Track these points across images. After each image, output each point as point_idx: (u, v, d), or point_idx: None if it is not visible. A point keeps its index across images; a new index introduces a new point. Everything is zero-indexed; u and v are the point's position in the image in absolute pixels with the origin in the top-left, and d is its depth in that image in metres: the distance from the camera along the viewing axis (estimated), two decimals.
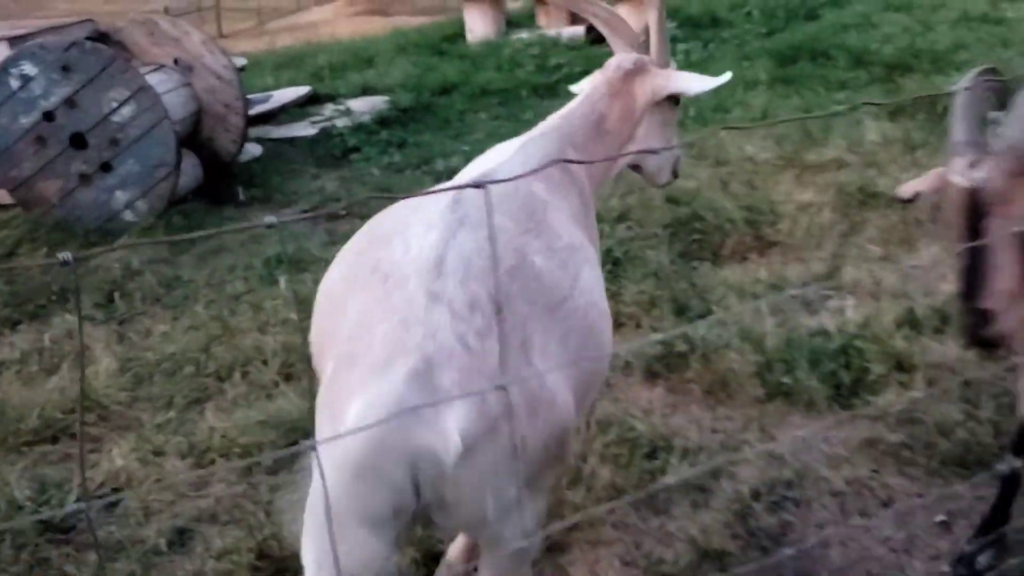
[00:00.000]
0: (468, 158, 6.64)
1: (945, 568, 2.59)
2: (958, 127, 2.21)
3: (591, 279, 2.01)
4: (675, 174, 2.85)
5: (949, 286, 3.96)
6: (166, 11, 26.38)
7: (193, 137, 6.18)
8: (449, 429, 1.55)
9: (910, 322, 3.76)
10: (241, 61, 7.51)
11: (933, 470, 2.97)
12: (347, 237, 5.05)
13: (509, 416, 1.58)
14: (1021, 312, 2.06)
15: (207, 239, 5.40)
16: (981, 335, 2.09)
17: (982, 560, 2.51)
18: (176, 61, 6.11)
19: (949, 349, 3.54)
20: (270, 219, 1.17)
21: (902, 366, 3.45)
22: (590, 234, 2.28)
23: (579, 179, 2.34)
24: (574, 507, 2.83)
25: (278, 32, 27.98)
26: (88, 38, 5.69)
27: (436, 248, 1.74)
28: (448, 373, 1.60)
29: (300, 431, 3.25)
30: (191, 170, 6.05)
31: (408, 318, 1.65)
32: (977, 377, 3.34)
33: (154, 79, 5.71)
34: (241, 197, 6.02)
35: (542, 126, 2.46)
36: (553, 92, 8.50)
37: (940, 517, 2.79)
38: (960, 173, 2.11)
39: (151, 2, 31.83)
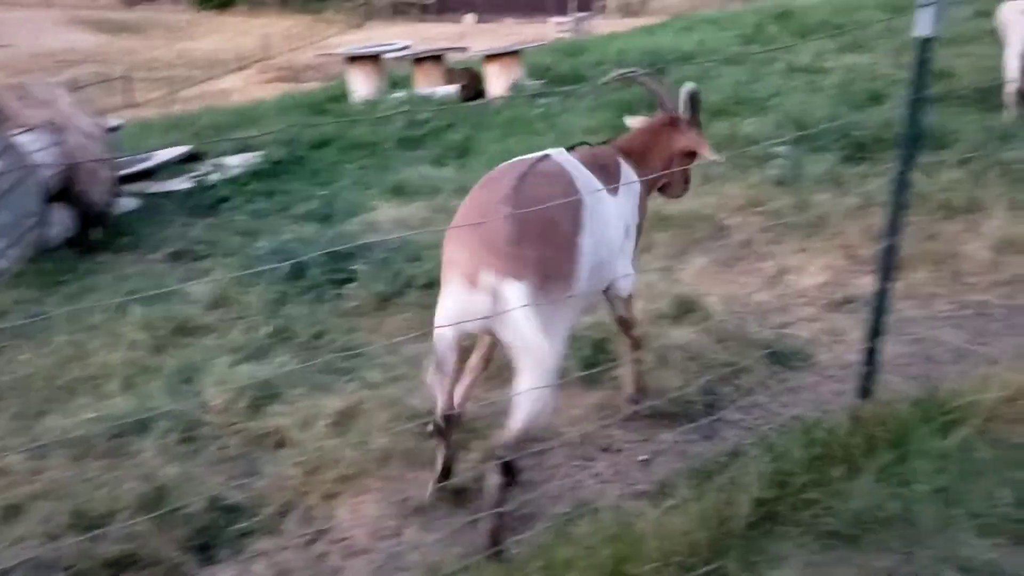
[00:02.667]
0: (325, 202, 7.27)
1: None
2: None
3: (599, 223, 3.09)
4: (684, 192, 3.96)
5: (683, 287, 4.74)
6: (76, 82, 26.74)
7: (66, 191, 6.68)
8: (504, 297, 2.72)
9: (662, 315, 4.48)
10: (115, 122, 8.05)
11: (648, 424, 3.64)
12: (205, 273, 5.64)
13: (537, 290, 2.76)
14: None
15: (76, 281, 5.93)
16: None
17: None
18: (49, 122, 6.64)
19: (681, 333, 4.25)
20: None
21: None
22: (631, 210, 3.44)
23: (622, 175, 3.42)
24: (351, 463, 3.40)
25: (190, 99, 28.59)
26: None
27: (509, 188, 2.88)
28: (496, 263, 2.74)
29: (127, 424, 3.77)
30: (63, 221, 6.55)
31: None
32: (700, 352, 4.06)
33: (26, 138, 6.24)
34: (98, 236, 6.56)
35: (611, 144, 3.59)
36: (419, 144, 9.24)
37: (643, 456, 3.45)
38: None
39: (63, 72, 32.14)
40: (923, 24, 2.71)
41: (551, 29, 39.11)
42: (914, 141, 2.88)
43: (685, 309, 4.55)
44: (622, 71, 3.79)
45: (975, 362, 3.87)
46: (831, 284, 4.93)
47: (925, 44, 2.76)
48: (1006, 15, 8.19)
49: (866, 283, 4.66)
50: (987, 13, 12.91)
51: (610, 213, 3.22)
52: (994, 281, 4.68)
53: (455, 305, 2.87)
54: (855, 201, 5.86)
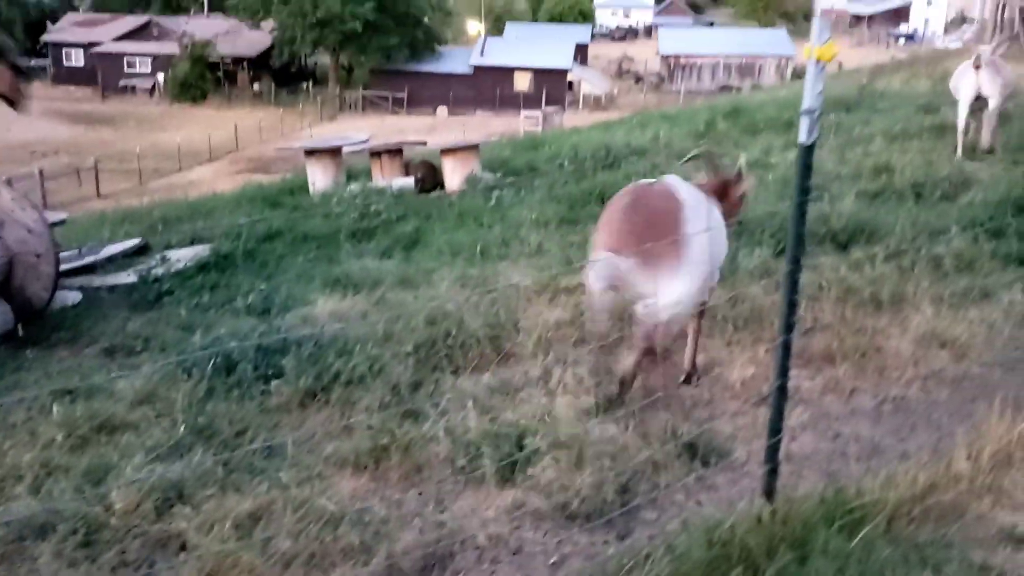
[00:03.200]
0: (266, 295, 7.24)
1: None
2: None
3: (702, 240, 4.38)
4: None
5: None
6: (41, 173, 26.83)
7: (4, 285, 6.63)
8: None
9: (585, 411, 4.46)
10: (60, 216, 8.06)
11: (560, 524, 3.59)
12: (136, 368, 5.53)
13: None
14: None
15: (2, 378, 5.84)
16: None
17: None
18: None
19: (606, 431, 4.23)
20: None
21: (563, 444, 4.11)
22: (719, 240, 4.74)
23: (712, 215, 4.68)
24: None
25: (158, 191, 28.71)
26: None
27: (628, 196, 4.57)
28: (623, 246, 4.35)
29: (28, 527, 3.66)
30: (1, 315, 6.48)
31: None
32: (621, 449, 4.04)
33: None
34: (20, 333, 6.47)
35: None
36: (370, 236, 9.31)
37: (553, 559, 3.39)
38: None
39: (29, 164, 32.24)
40: (803, 132, 2.78)
41: (521, 122, 40.04)
42: (800, 242, 2.93)
43: (609, 405, 4.53)
44: (696, 151, 5.87)
45: (889, 458, 3.87)
46: (757, 378, 4.95)
47: (806, 151, 2.82)
48: (957, 74, 10.80)
49: (794, 376, 4.70)
50: (930, 110, 13.39)
51: (715, 217, 4.65)
52: (915, 375, 4.72)
53: (597, 268, 4.53)
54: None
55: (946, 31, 77.24)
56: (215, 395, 5.10)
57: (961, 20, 75.88)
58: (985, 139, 10.55)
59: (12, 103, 8.49)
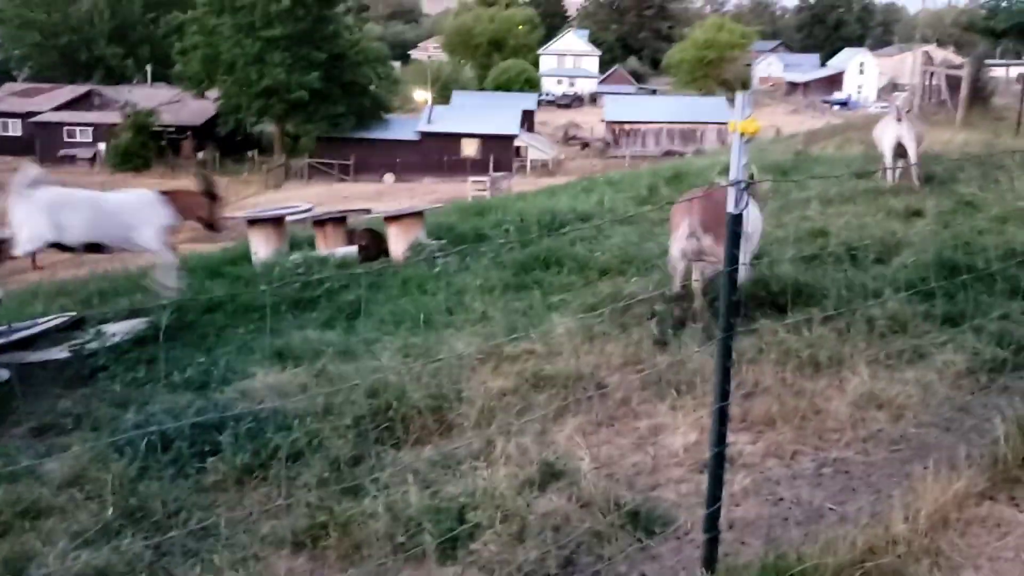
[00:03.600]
0: (204, 369, 7.11)
1: None
2: None
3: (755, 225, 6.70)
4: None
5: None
6: None
7: None
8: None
9: (529, 482, 4.41)
10: None
11: None
12: (66, 448, 5.37)
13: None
14: None
15: None
16: None
17: None
18: None
19: (549, 502, 4.18)
20: None
21: (507, 518, 4.05)
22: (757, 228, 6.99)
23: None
24: None
25: (98, 261, 28.18)
26: None
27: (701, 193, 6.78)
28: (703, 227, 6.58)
29: None
30: None
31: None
32: (564, 521, 3.99)
33: None
34: None
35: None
36: (313, 306, 9.21)
37: None
38: None
39: None
40: (731, 202, 2.83)
41: (469, 188, 40.33)
42: (732, 309, 2.96)
43: (553, 475, 4.49)
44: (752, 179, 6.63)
45: (829, 522, 3.87)
46: (701, 443, 4.94)
47: (734, 220, 2.87)
48: (880, 126, 13.34)
49: (733, 441, 4.71)
50: (863, 174, 13.78)
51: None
52: (854, 437, 4.76)
53: (679, 242, 6.67)
54: None
55: (878, 97, 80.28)
56: (148, 474, 4.95)
57: (892, 87, 78.93)
58: (913, 181, 12.49)
59: (213, 228, 10.64)
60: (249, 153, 56.20)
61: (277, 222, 12.45)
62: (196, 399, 6.18)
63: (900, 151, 12.56)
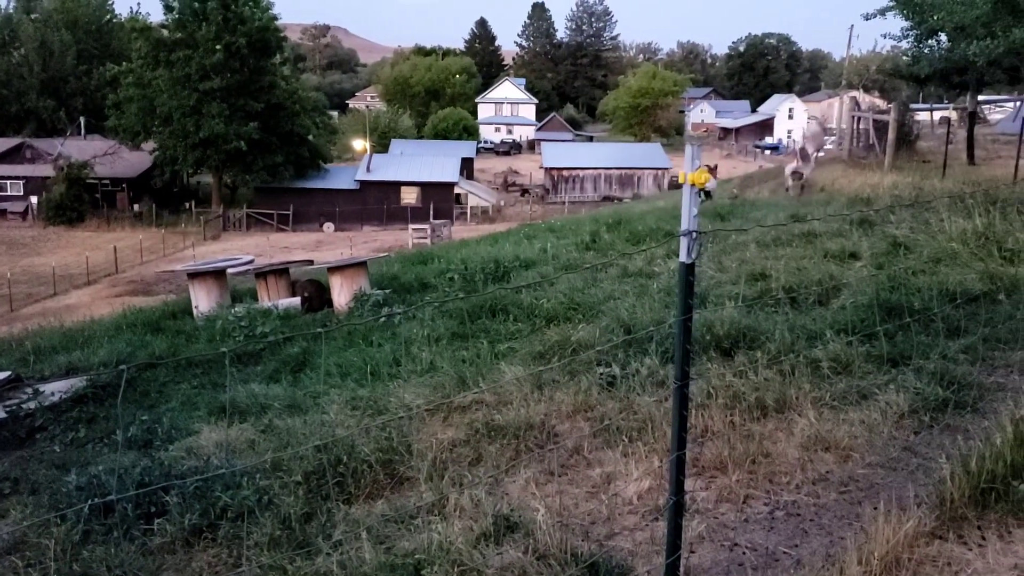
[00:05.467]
0: (148, 427, 6.95)
1: None
2: None
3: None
4: None
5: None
6: None
7: None
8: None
9: (484, 535, 4.37)
10: None
11: None
12: (3, 515, 5.19)
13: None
14: None
15: None
16: None
17: None
18: None
19: (506, 555, 4.15)
20: None
21: (463, 573, 4.01)
22: None
23: None
24: None
25: (31, 317, 27.42)
26: None
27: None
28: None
29: None
30: None
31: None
32: (519, 574, 3.95)
33: None
34: None
35: None
36: (256, 359, 9.09)
37: None
38: None
39: None
40: (683, 252, 2.89)
41: (410, 236, 40.29)
42: (687, 358, 3.00)
43: (508, 527, 4.46)
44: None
45: (784, 566, 3.91)
46: (654, 490, 4.97)
47: (687, 269, 2.92)
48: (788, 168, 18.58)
49: (688, 486, 4.73)
50: (799, 218, 14.14)
51: None
52: (803, 480, 4.82)
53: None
54: None
55: None
56: (92, 538, 4.80)
57: (823, 131, 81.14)
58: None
59: None
60: (186, 204, 55.44)
61: (218, 275, 12.30)
62: (140, 458, 6.03)
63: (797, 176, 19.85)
